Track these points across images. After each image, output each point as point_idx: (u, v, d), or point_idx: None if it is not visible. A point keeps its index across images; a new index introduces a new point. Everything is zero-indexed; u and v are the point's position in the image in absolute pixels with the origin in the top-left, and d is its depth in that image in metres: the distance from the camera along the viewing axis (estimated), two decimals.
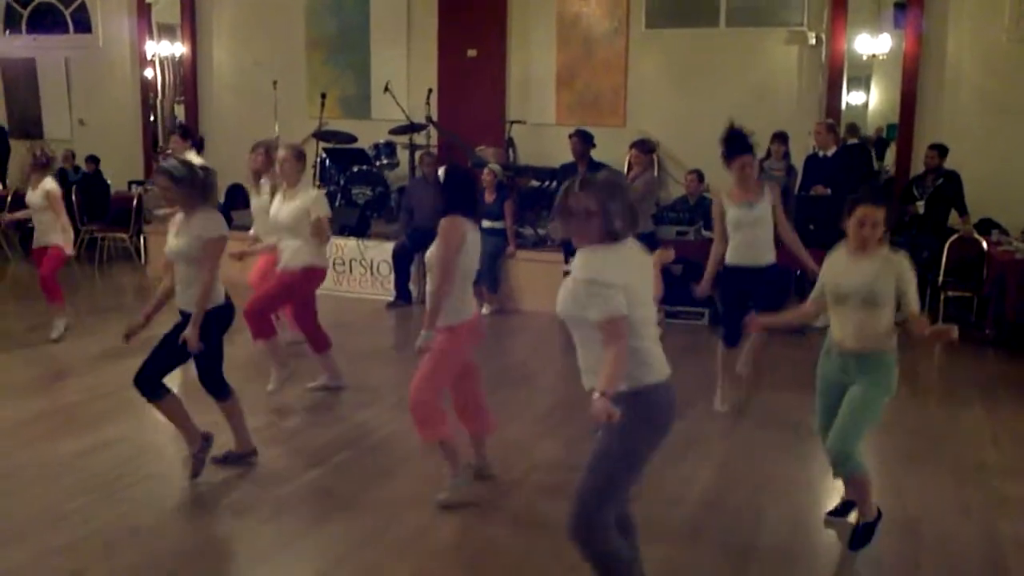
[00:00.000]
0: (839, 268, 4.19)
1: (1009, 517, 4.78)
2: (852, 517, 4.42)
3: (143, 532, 4.42)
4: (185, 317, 4.90)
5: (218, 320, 4.95)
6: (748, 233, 6.02)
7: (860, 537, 4.27)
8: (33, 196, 7.76)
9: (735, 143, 6.08)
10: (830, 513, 4.58)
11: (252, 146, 7.27)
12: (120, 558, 4.17)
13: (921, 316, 4.03)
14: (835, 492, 4.84)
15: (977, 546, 4.47)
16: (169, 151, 11.53)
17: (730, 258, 6.09)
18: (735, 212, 6.05)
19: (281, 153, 6.41)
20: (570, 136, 8.89)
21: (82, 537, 4.35)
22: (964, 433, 6.07)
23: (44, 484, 4.94)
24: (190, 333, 4.79)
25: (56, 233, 7.74)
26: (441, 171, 5.02)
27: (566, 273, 3.56)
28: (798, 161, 9.71)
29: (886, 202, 4.11)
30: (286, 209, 6.33)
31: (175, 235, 4.96)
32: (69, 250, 7.93)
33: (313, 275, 6.41)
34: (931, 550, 4.40)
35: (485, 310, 9.24)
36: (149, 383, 4.95)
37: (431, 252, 4.71)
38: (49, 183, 7.73)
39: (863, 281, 4.05)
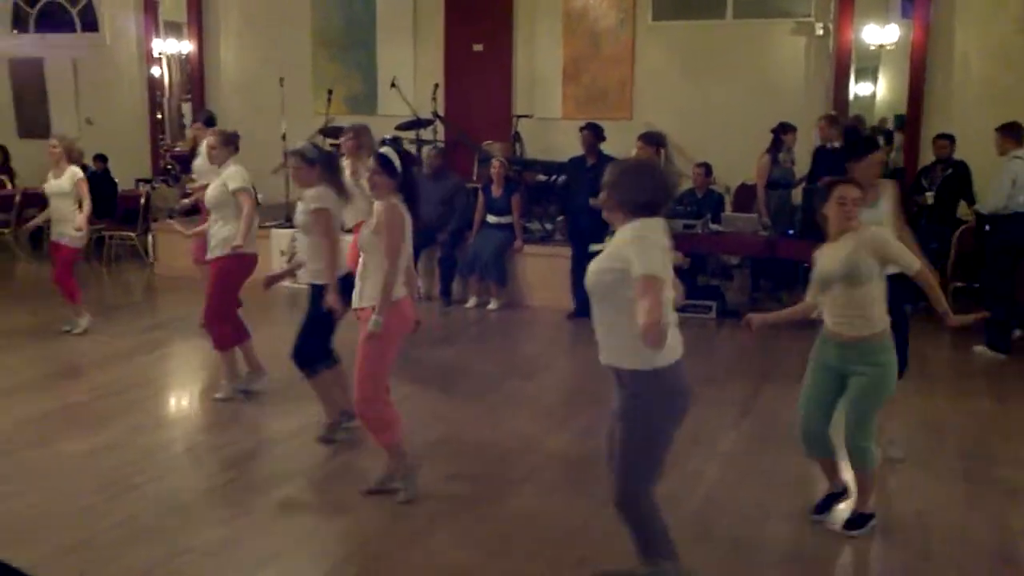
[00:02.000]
0: (823, 253, 4.31)
1: (1018, 508, 4.77)
2: (841, 509, 4.54)
3: (152, 531, 4.44)
4: (315, 288, 5.32)
5: (342, 290, 5.15)
6: None
7: (855, 521, 4.40)
8: (58, 183, 7.85)
9: (867, 141, 5.75)
10: (816, 512, 4.60)
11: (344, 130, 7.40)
12: (129, 557, 4.18)
13: (925, 272, 4.25)
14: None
15: (986, 537, 4.46)
16: (177, 148, 11.59)
17: None
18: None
19: (209, 139, 6.54)
20: (581, 129, 8.89)
21: (91, 536, 4.36)
22: (973, 425, 6.04)
23: (53, 483, 4.96)
24: (331, 300, 5.17)
25: (70, 224, 7.78)
26: (375, 157, 4.75)
27: (592, 255, 3.64)
28: (808, 153, 9.67)
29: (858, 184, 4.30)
30: (210, 188, 6.37)
31: (300, 212, 5.45)
32: (80, 242, 7.99)
33: (242, 261, 6.19)
34: (941, 541, 4.40)
35: (493, 305, 9.25)
36: (305, 358, 5.39)
37: (365, 235, 4.64)
38: (75, 168, 7.89)
39: (841, 261, 4.15)
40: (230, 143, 6.39)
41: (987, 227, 8.08)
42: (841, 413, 4.41)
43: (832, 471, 4.60)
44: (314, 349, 5.41)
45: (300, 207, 5.47)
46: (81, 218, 7.75)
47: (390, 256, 4.53)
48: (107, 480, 5.01)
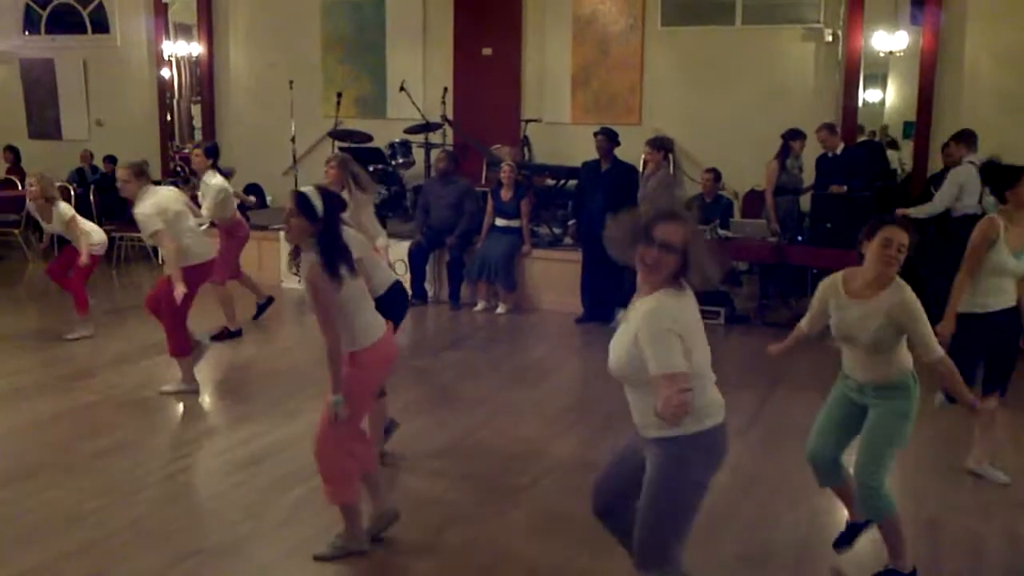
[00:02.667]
0: (844, 310, 3.96)
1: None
2: (862, 542, 4.31)
3: (161, 534, 4.45)
4: None
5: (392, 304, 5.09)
6: None
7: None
8: (51, 226, 7.91)
9: (1013, 167, 5.08)
10: (836, 544, 4.37)
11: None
12: (137, 560, 4.19)
13: (947, 361, 3.86)
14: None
15: (997, 548, 4.45)
16: (186, 150, 11.58)
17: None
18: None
19: (120, 173, 6.49)
20: (596, 134, 8.89)
21: (99, 538, 4.37)
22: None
23: (61, 485, 4.97)
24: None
25: (81, 240, 7.78)
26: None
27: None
28: (808, 160, 9.65)
29: (911, 228, 3.85)
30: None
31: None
32: (100, 250, 8.00)
33: (191, 272, 6.38)
34: (951, 552, 4.38)
35: (501, 309, 9.25)
36: None
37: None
38: (62, 208, 7.81)
39: (869, 332, 3.86)
40: (142, 175, 6.47)
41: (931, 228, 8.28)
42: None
43: (847, 499, 4.28)
44: None
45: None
46: (83, 256, 7.69)
47: (325, 330, 3.97)
48: (115, 482, 5.02)
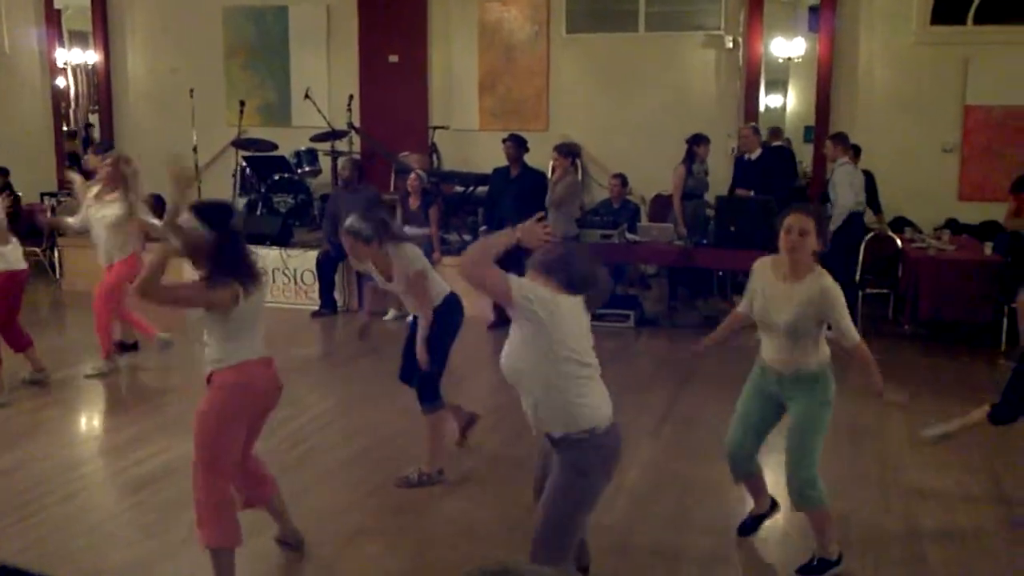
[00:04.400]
0: (768, 292, 4.06)
1: (928, 510, 4.90)
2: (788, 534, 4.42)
3: (61, 555, 4.29)
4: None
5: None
6: None
7: (816, 567, 4.14)
8: None
9: None
10: (740, 531, 4.51)
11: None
12: None
13: (863, 348, 4.02)
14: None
15: (899, 539, 4.57)
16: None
17: None
18: None
19: None
20: (504, 141, 8.92)
21: None
22: (884, 428, 6.19)
23: None
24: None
25: None
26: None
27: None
28: (721, 163, 9.84)
29: (816, 215, 3.99)
30: None
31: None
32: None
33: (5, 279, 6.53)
34: (857, 543, 4.47)
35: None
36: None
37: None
38: None
39: (787, 319, 3.95)
40: None
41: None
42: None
43: (757, 491, 4.48)
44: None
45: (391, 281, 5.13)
46: None
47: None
48: (17, 501, 4.83)
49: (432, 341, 5.03)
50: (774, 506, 4.52)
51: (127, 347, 8.00)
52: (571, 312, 3.34)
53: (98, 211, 7.04)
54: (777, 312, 4.00)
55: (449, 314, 5.13)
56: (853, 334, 3.98)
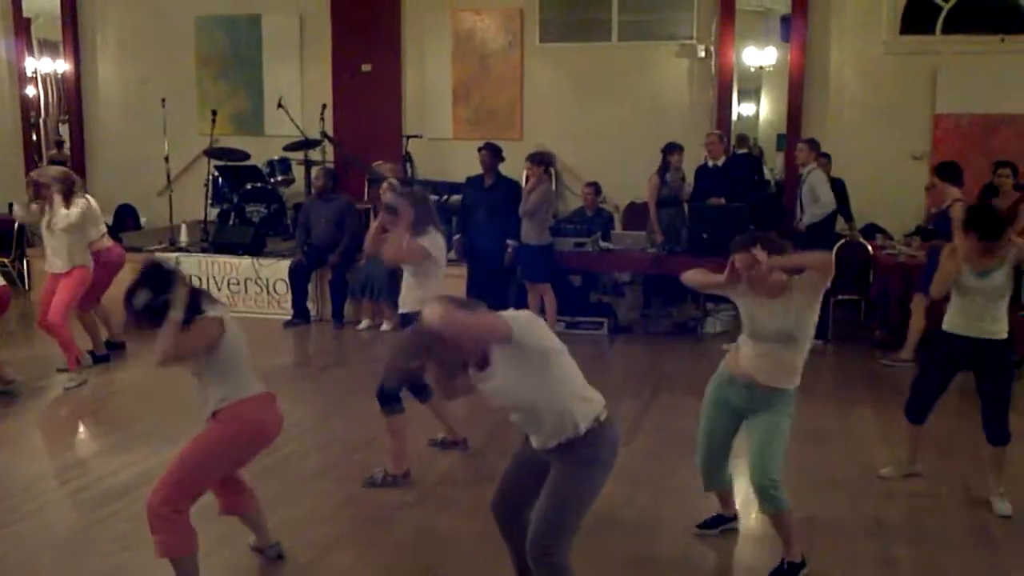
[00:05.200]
0: (751, 310, 4.09)
1: (897, 511, 4.94)
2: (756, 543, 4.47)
3: (28, 570, 4.24)
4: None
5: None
6: None
7: (784, 573, 4.18)
8: None
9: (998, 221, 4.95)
10: (701, 526, 4.63)
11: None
12: None
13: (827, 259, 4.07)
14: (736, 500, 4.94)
15: (868, 538, 4.61)
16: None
17: None
18: None
19: None
20: (479, 149, 8.94)
21: None
22: (855, 432, 6.23)
23: None
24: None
25: None
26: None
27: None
28: (688, 171, 9.87)
29: (755, 239, 3.97)
30: None
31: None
32: None
33: None
34: (825, 542, 4.51)
35: (386, 326, 9.12)
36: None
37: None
38: None
39: (779, 326, 4.00)
40: None
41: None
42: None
43: (726, 501, 4.61)
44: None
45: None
46: None
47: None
48: None
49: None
50: (736, 517, 4.64)
51: (115, 346, 8.02)
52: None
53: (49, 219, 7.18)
54: (766, 321, 4.03)
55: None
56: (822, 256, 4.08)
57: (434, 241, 5.27)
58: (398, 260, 5.36)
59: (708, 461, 4.36)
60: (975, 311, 4.86)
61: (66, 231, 7.09)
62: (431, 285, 5.16)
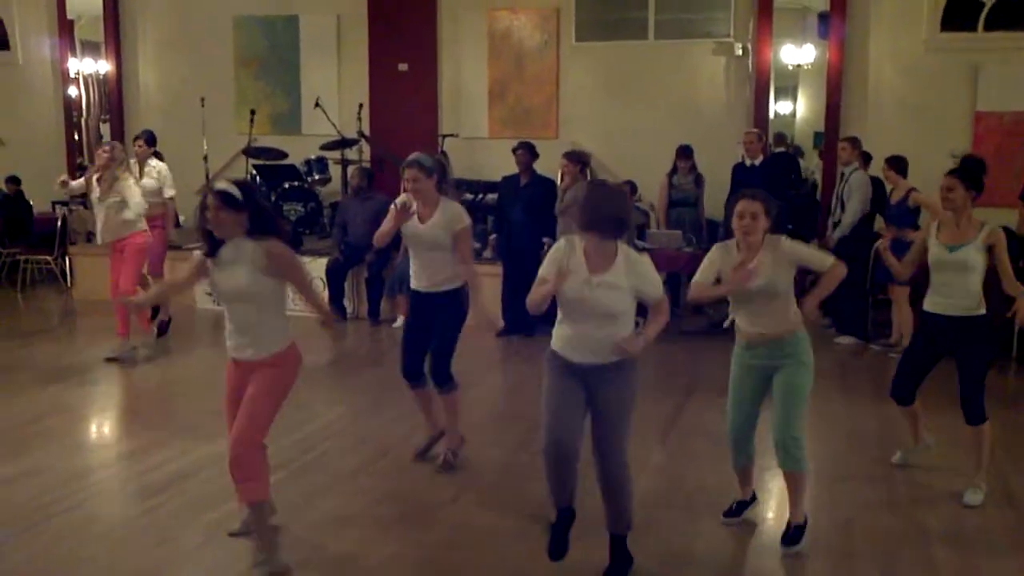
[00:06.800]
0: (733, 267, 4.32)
1: (935, 512, 4.89)
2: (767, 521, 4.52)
3: (72, 562, 4.30)
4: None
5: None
6: None
7: (793, 536, 4.38)
8: None
9: None
10: (726, 514, 4.75)
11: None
12: None
13: (836, 265, 4.35)
14: (765, 495, 4.93)
15: (907, 539, 4.57)
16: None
17: None
18: None
19: None
20: (515, 149, 8.99)
21: (7, 570, 4.21)
22: (892, 431, 6.17)
23: None
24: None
25: None
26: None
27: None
28: (726, 170, 9.81)
29: (763, 198, 4.31)
30: None
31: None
32: None
33: None
34: (864, 544, 4.50)
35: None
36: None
37: (243, 279, 4.16)
38: None
39: (760, 283, 4.22)
40: None
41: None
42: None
43: (746, 480, 4.73)
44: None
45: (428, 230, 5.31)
46: None
47: (307, 292, 4.44)
48: (24, 510, 4.84)
49: (448, 323, 5.35)
50: (754, 498, 4.77)
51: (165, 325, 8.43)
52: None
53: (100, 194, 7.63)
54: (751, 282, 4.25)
55: (462, 303, 5.42)
56: (824, 258, 4.41)
57: (462, 209, 5.39)
58: (469, 261, 5.38)
59: (736, 430, 4.54)
60: (946, 287, 4.96)
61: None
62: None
